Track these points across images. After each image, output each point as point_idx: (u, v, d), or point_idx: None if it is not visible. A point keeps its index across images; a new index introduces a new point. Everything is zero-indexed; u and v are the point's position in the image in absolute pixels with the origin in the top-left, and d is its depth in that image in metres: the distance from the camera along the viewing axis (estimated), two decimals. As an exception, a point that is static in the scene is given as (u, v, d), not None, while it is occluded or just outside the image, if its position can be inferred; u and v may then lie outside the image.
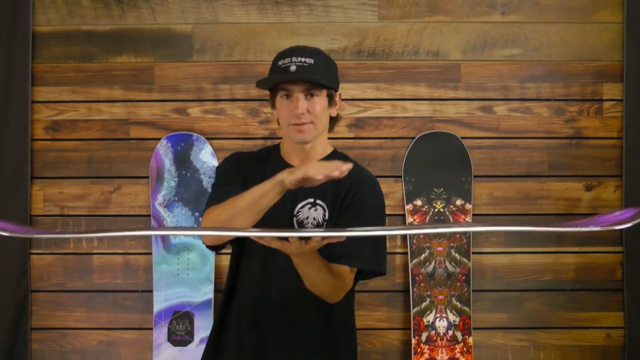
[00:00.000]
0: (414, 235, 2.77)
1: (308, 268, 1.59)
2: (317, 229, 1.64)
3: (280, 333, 1.73)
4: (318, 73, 1.69)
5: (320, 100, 1.70)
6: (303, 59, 1.69)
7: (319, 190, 1.70)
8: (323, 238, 1.44)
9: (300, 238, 1.43)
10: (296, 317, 1.73)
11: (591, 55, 2.85)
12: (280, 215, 1.69)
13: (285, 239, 1.44)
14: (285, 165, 1.77)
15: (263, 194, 1.53)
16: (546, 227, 1.37)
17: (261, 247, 1.51)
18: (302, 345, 1.74)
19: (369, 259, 1.69)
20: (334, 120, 1.81)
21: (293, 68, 1.68)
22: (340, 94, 1.79)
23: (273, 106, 1.77)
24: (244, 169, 1.78)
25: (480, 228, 1.33)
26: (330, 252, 1.62)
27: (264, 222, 1.58)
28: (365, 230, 1.50)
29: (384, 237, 1.76)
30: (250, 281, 1.75)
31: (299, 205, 1.72)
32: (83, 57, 2.85)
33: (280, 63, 1.70)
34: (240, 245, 1.78)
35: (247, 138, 2.84)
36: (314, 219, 1.71)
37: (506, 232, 2.83)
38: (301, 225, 1.41)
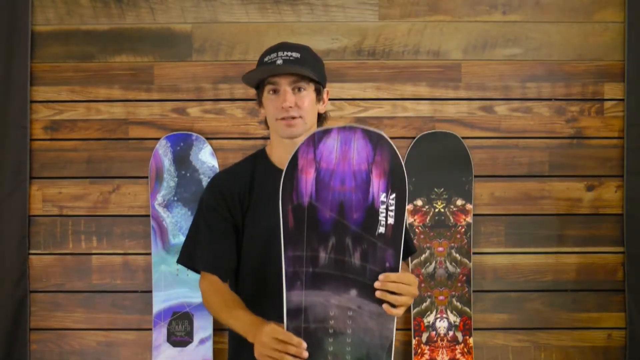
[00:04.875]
0: (415, 234, 2.76)
1: (413, 289, 1.54)
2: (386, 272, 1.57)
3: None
4: (305, 66, 1.66)
5: (308, 94, 1.67)
6: (289, 53, 1.66)
7: None
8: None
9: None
10: None
11: (592, 54, 2.84)
12: None
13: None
14: (277, 171, 1.62)
15: (236, 327, 1.62)
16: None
17: (279, 252, 1.49)
18: None
19: (413, 244, 1.89)
20: (322, 119, 1.78)
21: (279, 62, 1.65)
22: (328, 91, 1.76)
23: (260, 104, 1.74)
24: (229, 193, 1.69)
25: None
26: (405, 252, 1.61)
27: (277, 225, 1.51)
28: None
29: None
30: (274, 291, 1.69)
31: None
32: (82, 56, 2.84)
33: (266, 59, 1.68)
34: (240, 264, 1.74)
35: (246, 138, 2.83)
36: None
37: (507, 233, 2.82)
38: None
